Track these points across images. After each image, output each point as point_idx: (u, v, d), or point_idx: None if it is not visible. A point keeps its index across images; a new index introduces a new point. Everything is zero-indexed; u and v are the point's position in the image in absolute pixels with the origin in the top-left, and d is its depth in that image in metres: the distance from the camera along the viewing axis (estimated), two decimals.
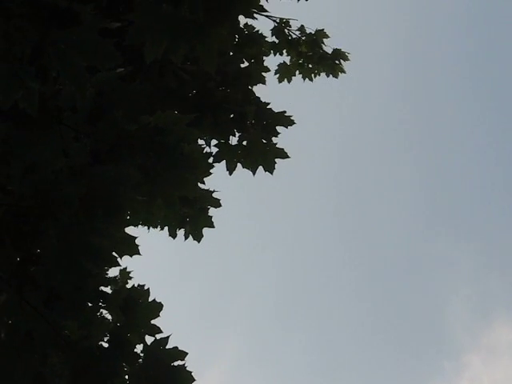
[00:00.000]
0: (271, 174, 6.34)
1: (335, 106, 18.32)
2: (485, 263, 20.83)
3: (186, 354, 3.89)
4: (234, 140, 6.36)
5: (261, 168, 6.32)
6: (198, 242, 6.03)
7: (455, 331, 20.86)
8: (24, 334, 3.86)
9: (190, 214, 5.90)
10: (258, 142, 6.34)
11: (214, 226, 6.00)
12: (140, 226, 5.81)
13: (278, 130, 6.42)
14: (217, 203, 5.88)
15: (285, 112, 6.40)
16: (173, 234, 5.93)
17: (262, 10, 6.40)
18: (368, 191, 20.65)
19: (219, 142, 6.32)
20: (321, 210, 20.09)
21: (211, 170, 5.31)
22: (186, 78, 5.60)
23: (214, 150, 6.41)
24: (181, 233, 6.07)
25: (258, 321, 19.59)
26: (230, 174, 6.35)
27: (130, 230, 4.24)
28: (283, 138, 6.54)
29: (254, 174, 6.36)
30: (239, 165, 6.43)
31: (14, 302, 3.86)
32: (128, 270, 5.25)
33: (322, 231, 20.12)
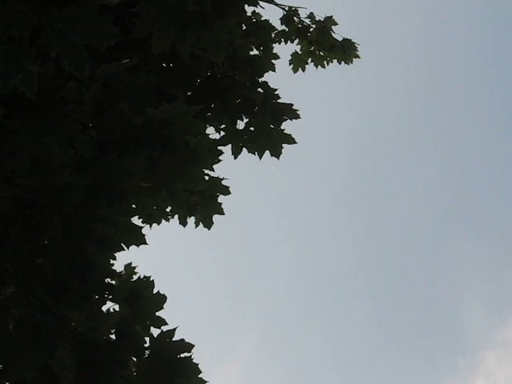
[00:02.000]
0: (277, 158, 6.37)
1: (350, 95, 18.26)
2: (500, 259, 20.72)
3: (193, 346, 3.89)
4: (241, 124, 6.39)
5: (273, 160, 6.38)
6: (209, 229, 6.04)
7: (470, 328, 20.79)
8: (31, 326, 3.87)
9: (200, 202, 5.90)
10: (266, 126, 6.35)
11: (224, 213, 6.00)
12: (145, 223, 5.84)
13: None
14: (226, 190, 5.88)
15: (292, 105, 6.40)
16: (183, 222, 5.93)
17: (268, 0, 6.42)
18: (383, 185, 20.58)
19: (226, 126, 6.33)
20: (337, 205, 20.04)
21: (220, 157, 5.37)
22: (201, 55, 5.59)
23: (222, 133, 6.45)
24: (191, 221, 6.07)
25: (275, 317, 19.59)
26: (235, 157, 6.39)
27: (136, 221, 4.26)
28: (296, 124, 6.55)
29: (260, 158, 6.40)
30: (244, 150, 6.46)
31: (21, 295, 3.87)
32: (133, 264, 5.24)
33: (338, 226, 20.09)
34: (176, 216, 5.91)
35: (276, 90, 6.44)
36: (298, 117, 6.37)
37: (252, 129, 6.36)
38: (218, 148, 5.38)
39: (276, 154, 6.37)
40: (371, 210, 20.15)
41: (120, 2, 4.21)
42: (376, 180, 20.44)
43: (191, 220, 6.00)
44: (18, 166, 4.03)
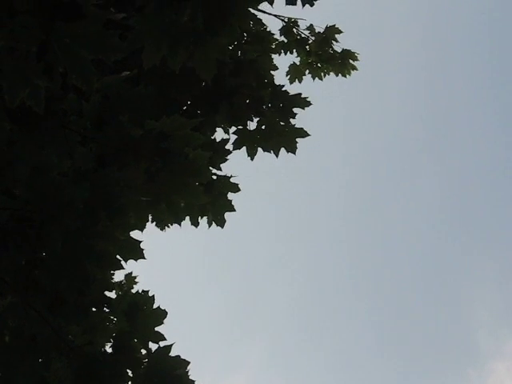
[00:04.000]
0: (294, 154, 6.36)
1: (352, 104, 18.26)
2: (510, 270, 20.73)
3: (189, 363, 3.89)
4: (251, 125, 6.38)
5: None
6: (222, 227, 6.00)
7: (480, 339, 20.84)
8: (28, 338, 3.87)
9: (210, 200, 5.86)
10: (276, 124, 6.35)
11: (235, 210, 5.97)
12: (154, 225, 5.80)
13: (295, 112, 6.43)
14: (235, 188, 5.87)
15: (300, 94, 6.39)
16: (195, 223, 5.87)
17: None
18: (391, 197, 20.58)
19: (237, 128, 6.33)
20: (344, 218, 20.02)
21: (228, 156, 5.38)
22: None
23: (233, 137, 6.44)
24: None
25: (281, 329, 19.56)
26: (252, 159, 6.38)
27: (135, 235, 4.26)
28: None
29: (277, 156, 6.39)
30: (260, 149, 6.46)
31: (18, 306, 3.87)
32: (133, 275, 5.25)
33: (346, 238, 20.08)
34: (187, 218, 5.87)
35: (283, 86, 6.42)
36: (309, 104, 6.34)
37: (264, 127, 6.35)
38: (226, 147, 5.40)
39: (292, 149, 6.37)
40: (379, 222, 20.15)
41: (126, 16, 4.22)
42: (382, 191, 20.45)
43: (203, 221, 5.97)
44: (17, 176, 4.03)
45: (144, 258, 3.97)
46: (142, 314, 4.00)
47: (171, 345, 3.90)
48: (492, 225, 20.87)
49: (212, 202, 5.87)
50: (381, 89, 19.15)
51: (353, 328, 19.77)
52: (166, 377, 3.84)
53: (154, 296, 4.03)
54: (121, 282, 5.16)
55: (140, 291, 4.07)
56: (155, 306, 4.05)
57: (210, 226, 5.98)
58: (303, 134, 6.37)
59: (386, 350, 19.93)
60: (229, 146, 6.05)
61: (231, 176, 5.82)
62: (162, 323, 4.02)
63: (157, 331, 4.00)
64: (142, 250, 4.01)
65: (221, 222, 6.00)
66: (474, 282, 20.96)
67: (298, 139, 6.36)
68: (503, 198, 20.85)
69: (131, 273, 4.38)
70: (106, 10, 3.80)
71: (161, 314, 4.02)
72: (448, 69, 20.04)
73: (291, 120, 6.42)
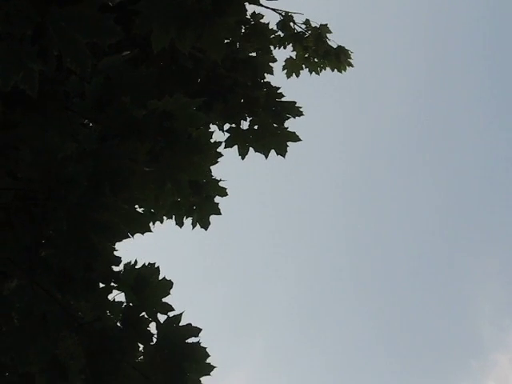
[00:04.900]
0: (283, 157, 6.42)
1: (350, 101, 18.25)
2: None
3: (200, 330, 3.85)
4: (245, 124, 6.43)
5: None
6: (206, 229, 6.05)
7: (483, 330, 20.73)
8: (38, 318, 3.85)
9: (197, 202, 5.90)
10: (269, 125, 6.39)
11: (220, 213, 6.00)
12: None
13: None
14: (223, 192, 5.88)
15: (295, 102, 6.42)
16: (180, 223, 5.94)
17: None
18: (394, 194, 20.54)
19: (230, 127, 6.36)
20: (344, 216, 20.00)
21: (219, 159, 5.36)
22: (200, 56, 5.63)
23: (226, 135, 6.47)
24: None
25: (283, 326, 19.52)
26: (243, 158, 6.45)
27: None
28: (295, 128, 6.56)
29: (266, 157, 6.46)
30: (251, 149, 6.49)
31: (27, 286, 3.85)
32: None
33: (346, 237, 20.05)
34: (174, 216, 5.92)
35: (279, 88, 6.46)
36: (301, 114, 6.41)
37: (256, 128, 6.38)
38: (217, 150, 5.40)
39: (281, 152, 6.43)
40: (381, 219, 20.11)
41: (121, 1, 4.23)
42: (383, 189, 20.41)
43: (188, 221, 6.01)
44: (21, 157, 4.03)
45: (150, 231, 3.94)
46: (149, 286, 3.98)
47: (181, 313, 3.87)
48: (495, 221, 20.81)
49: (199, 203, 5.90)
50: (379, 86, 19.15)
51: (354, 324, 19.70)
52: (177, 346, 3.80)
53: (158, 267, 4.01)
54: (119, 271, 5.12)
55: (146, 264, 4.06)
56: (160, 278, 4.03)
57: (193, 227, 6.04)
58: (295, 138, 6.44)
59: (389, 343, 19.86)
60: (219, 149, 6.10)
61: (220, 180, 5.82)
62: (169, 294, 3.99)
63: (164, 302, 3.98)
64: (148, 222, 3.98)
65: (205, 224, 6.05)
66: (476, 274, 20.90)
67: (289, 143, 6.43)
68: (505, 194, 20.78)
69: (130, 262, 4.36)
70: None
71: (167, 285, 3.99)
72: (447, 67, 20.02)
73: (285, 123, 6.47)
